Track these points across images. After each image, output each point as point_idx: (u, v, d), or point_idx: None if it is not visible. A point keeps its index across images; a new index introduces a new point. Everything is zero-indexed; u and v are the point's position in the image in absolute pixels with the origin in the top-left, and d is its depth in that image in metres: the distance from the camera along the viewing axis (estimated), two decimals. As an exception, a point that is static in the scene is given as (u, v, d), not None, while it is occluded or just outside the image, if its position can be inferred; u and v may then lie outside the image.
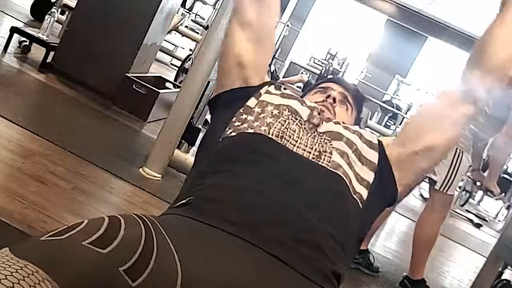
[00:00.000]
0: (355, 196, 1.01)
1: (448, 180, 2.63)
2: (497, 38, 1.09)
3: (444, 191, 2.64)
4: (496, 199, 7.67)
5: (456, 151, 2.60)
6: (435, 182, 2.66)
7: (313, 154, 1.01)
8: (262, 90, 1.16)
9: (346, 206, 0.98)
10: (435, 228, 2.69)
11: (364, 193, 1.03)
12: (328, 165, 1.01)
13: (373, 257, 2.86)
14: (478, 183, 3.11)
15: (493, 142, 2.73)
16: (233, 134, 1.05)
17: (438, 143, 1.11)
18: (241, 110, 1.11)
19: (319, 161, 1.01)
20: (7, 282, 0.60)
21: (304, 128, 1.07)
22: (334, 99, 1.24)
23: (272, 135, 1.02)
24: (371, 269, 2.82)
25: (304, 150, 1.02)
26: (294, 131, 1.04)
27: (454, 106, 1.11)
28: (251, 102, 1.13)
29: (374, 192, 1.05)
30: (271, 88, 1.18)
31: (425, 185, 4.39)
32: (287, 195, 0.90)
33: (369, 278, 2.78)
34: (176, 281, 0.69)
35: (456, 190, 7.45)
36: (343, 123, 1.15)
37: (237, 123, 1.07)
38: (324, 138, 1.06)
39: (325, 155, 1.02)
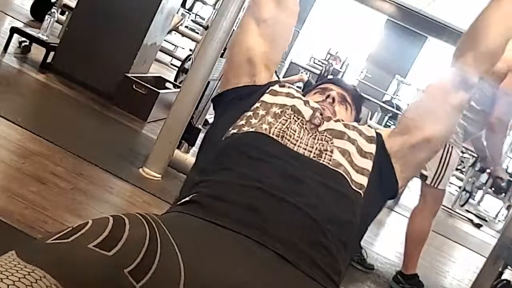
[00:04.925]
0: (355, 188, 1.01)
1: (439, 175, 2.64)
2: (492, 22, 1.09)
3: (435, 186, 2.65)
4: (498, 198, 7.68)
5: (445, 146, 2.61)
6: (426, 177, 2.67)
7: (314, 153, 1.02)
8: (268, 90, 1.16)
9: (348, 204, 0.98)
10: (426, 223, 2.70)
11: (364, 181, 1.04)
12: (329, 163, 1.01)
13: (366, 252, 2.85)
14: (488, 171, 3.16)
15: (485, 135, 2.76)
16: (235, 132, 1.05)
17: (435, 134, 1.13)
18: (246, 113, 1.10)
19: (320, 159, 1.01)
20: None
21: (305, 128, 1.07)
22: (333, 99, 1.25)
23: (272, 134, 1.02)
24: (364, 266, 2.80)
25: (305, 149, 1.02)
26: (295, 131, 1.05)
27: (447, 94, 1.12)
28: (256, 103, 1.12)
29: (374, 180, 1.06)
30: (276, 87, 1.18)
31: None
32: (291, 194, 0.90)
33: (369, 278, 2.77)
34: (179, 281, 0.70)
35: (456, 191, 7.42)
36: (343, 120, 1.16)
37: (240, 122, 1.07)
38: (325, 136, 1.07)
39: (326, 154, 1.03)
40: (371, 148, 1.11)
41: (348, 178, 1.01)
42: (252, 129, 1.04)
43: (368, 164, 1.07)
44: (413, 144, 1.12)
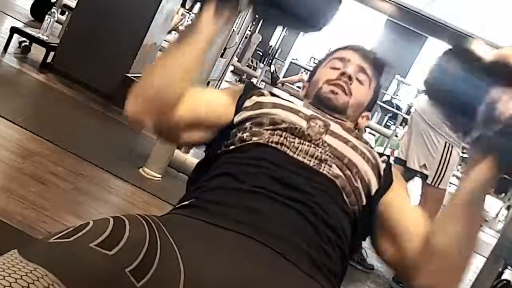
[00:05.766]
0: (351, 208, 1.00)
1: (439, 174, 2.65)
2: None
3: (436, 185, 2.66)
4: (498, 198, 7.68)
5: (445, 145, 2.62)
6: (426, 176, 2.68)
7: (313, 162, 1.00)
8: (247, 102, 1.11)
9: (344, 214, 0.98)
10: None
11: (357, 211, 1.02)
12: (329, 172, 0.99)
13: (366, 252, 2.85)
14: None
15: None
16: (233, 147, 1.04)
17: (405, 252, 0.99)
18: (238, 133, 1.06)
19: (320, 168, 1.00)
20: (17, 286, 0.61)
21: (304, 138, 1.03)
22: (349, 77, 1.14)
23: (272, 143, 1.01)
24: (364, 266, 2.80)
25: (304, 157, 1.00)
26: (294, 140, 1.02)
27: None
28: (244, 117, 1.08)
29: (363, 217, 1.03)
30: (261, 99, 1.12)
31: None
32: (289, 199, 0.91)
33: (369, 278, 2.77)
34: (179, 281, 0.70)
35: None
36: (352, 141, 1.07)
37: (235, 140, 1.05)
38: (325, 151, 1.02)
39: (325, 164, 1.00)
40: (374, 184, 1.05)
41: (344, 192, 0.99)
42: (250, 142, 1.02)
43: (363, 199, 1.04)
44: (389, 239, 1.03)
